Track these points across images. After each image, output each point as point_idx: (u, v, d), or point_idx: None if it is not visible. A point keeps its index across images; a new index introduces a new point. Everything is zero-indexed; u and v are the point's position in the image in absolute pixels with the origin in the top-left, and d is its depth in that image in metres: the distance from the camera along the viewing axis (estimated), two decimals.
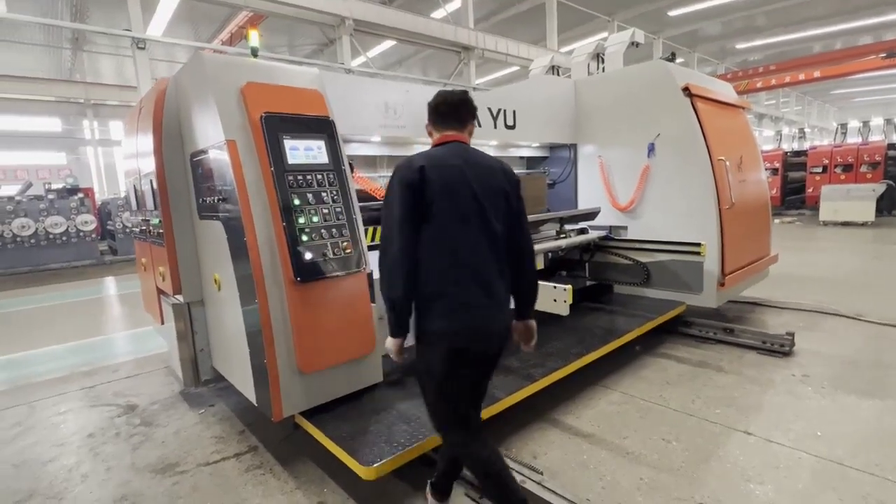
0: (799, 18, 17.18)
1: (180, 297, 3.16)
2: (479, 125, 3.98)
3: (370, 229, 3.80)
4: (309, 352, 2.44)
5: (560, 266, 4.57)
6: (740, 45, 20.67)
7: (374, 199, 3.72)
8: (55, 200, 11.31)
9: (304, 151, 2.53)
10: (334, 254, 2.51)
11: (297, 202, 2.44)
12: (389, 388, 2.80)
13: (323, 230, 2.50)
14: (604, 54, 5.46)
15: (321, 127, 2.62)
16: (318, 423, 2.44)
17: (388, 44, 15.36)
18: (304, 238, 2.42)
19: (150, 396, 3.55)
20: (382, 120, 3.35)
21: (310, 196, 2.49)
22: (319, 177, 2.56)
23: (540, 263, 3.72)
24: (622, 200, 4.62)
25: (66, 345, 5.05)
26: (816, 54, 20.20)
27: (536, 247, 3.68)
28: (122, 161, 4.13)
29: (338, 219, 2.57)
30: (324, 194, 2.55)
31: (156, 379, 3.88)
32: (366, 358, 2.71)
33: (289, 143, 2.48)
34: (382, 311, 3.02)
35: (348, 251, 2.56)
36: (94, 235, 11.73)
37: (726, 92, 4.84)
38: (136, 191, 3.66)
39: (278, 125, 2.46)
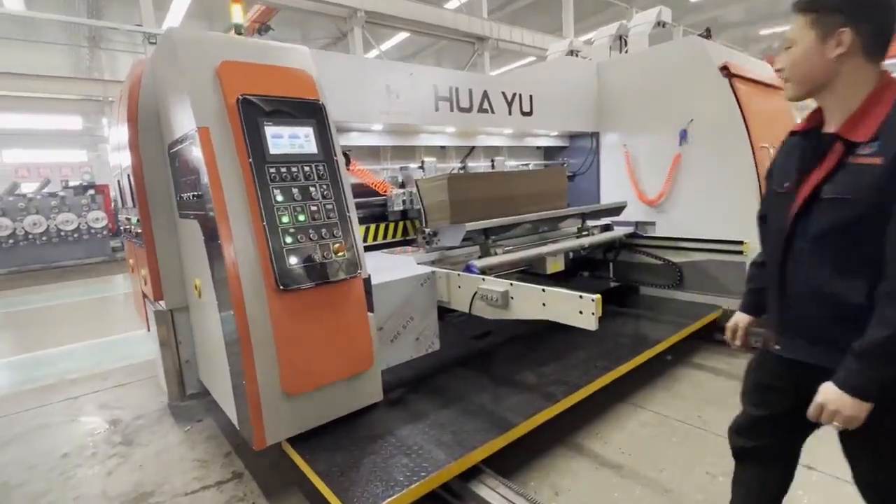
0: None
1: (163, 304, 2.88)
2: (493, 111, 3.62)
3: (371, 227, 3.49)
4: (295, 371, 2.12)
5: (581, 266, 4.18)
6: (764, 32, 19.76)
7: (376, 193, 3.39)
8: (67, 197, 11.25)
9: (288, 140, 2.20)
10: (324, 257, 2.18)
11: (279, 198, 2.11)
12: (389, 410, 2.48)
13: (311, 230, 2.17)
14: (627, 36, 5.03)
15: (309, 112, 2.29)
16: (305, 453, 2.12)
17: (401, 36, 14.98)
18: (289, 240, 2.09)
19: (136, 409, 3.28)
20: (384, 105, 3.01)
21: (295, 191, 2.16)
22: (307, 169, 2.22)
23: (560, 264, 3.35)
24: (650, 194, 4.21)
25: (59, 348, 4.85)
26: None
27: (556, 246, 3.31)
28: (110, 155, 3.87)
29: (328, 217, 2.23)
30: (312, 189, 2.22)
31: (145, 389, 3.62)
32: (362, 375, 2.38)
33: (270, 131, 2.15)
34: (382, 320, 2.71)
35: (341, 254, 2.23)
36: (105, 232, 11.67)
37: (765, 72, 4.37)
38: (120, 187, 3.39)
39: (258, 110, 2.13)
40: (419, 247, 3.32)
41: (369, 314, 2.39)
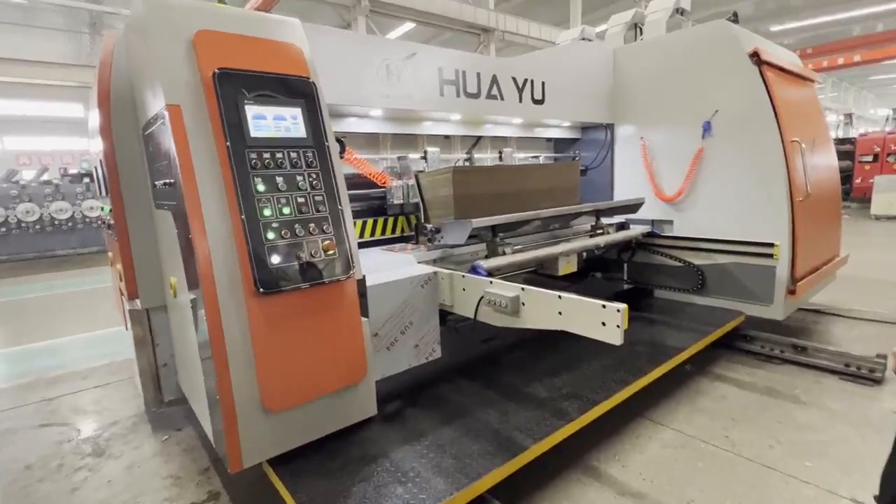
0: None
1: (138, 302, 2.63)
2: (502, 98, 3.34)
3: (369, 222, 3.23)
4: (277, 385, 1.87)
5: (594, 267, 3.91)
6: (774, 28, 19.29)
7: (375, 185, 3.13)
8: (61, 185, 10.99)
9: (273, 122, 1.93)
10: (311, 256, 1.92)
11: (261, 188, 1.85)
12: (384, 426, 2.23)
13: (297, 225, 1.90)
14: (642, 24, 4.74)
15: (298, 90, 2.02)
16: (287, 478, 1.87)
17: (406, 27, 14.62)
18: (270, 235, 1.83)
19: (113, 414, 3.04)
20: (383, 88, 2.73)
21: (279, 180, 1.90)
22: (294, 155, 1.96)
23: (572, 265, 3.08)
24: (668, 190, 3.94)
25: (43, 343, 4.61)
26: (856, 37, 18.73)
27: (570, 245, 3.04)
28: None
29: (317, 210, 1.97)
30: (299, 178, 1.95)
31: (126, 391, 3.38)
32: (354, 387, 2.13)
33: (252, 110, 1.88)
34: (377, 326, 2.46)
35: (330, 252, 1.97)
36: (100, 222, 11.41)
37: (794, 60, 4.08)
38: (96, 175, 3.13)
39: (238, 86, 1.86)
40: (420, 244, 3.06)
41: (363, 319, 2.14)
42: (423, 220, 3.01)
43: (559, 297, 1.94)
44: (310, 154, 2.00)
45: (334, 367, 2.03)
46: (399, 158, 3.25)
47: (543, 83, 3.62)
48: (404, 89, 2.81)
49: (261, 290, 1.79)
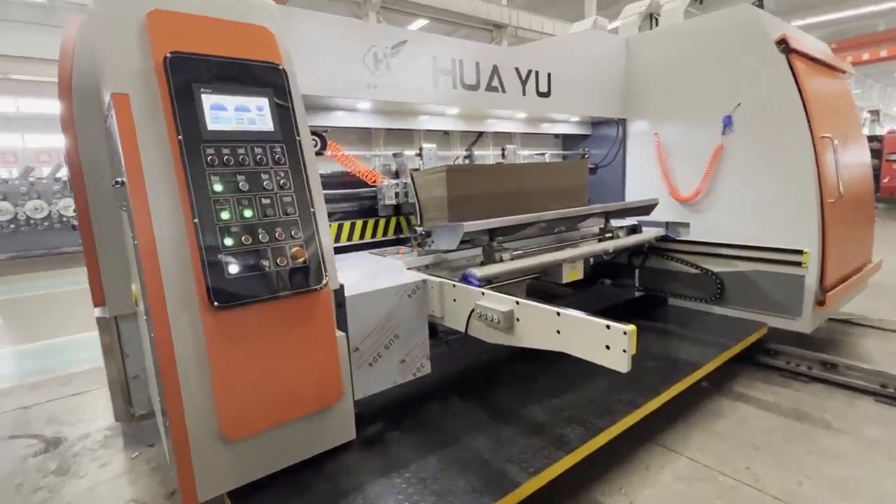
0: None
1: (105, 310, 2.45)
2: (504, 90, 3.09)
3: (358, 223, 3.00)
4: (237, 410, 1.66)
5: (602, 272, 3.65)
6: (795, 23, 18.61)
7: (365, 184, 2.91)
8: (35, 183, 10.79)
9: (234, 113, 1.72)
10: (278, 264, 1.70)
11: (218, 188, 1.63)
12: (363, 453, 2.01)
13: (261, 230, 1.69)
14: (658, 14, 4.44)
15: (266, 78, 1.80)
16: None
17: (419, 23, 14.41)
18: (229, 241, 1.62)
19: (86, 426, 2.88)
20: (370, 77, 2.50)
21: (241, 179, 1.68)
22: (258, 151, 1.74)
23: (578, 272, 2.82)
24: (684, 190, 3.65)
25: (31, 345, 4.49)
26: (882, 32, 17.98)
27: (577, 251, 2.79)
28: None
29: (285, 213, 1.75)
30: (264, 177, 1.74)
31: (103, 400, 3.21)
32: (329, 410, 1.91)
33: (210, 100, 1.67)
34: (358, 339, 2.23)
35: (300, 260, 1.75)
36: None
37: (824, 49, 3.76)
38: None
39: (193, 71, 1.65)
40: (413, 248, 2.83)
41: (339, 334, 1.92)
42: (416, 222, 2.78)
43: (557, 313, 1.70)
44: (278, 150, 1.79)
45: (304, 388, 1.81)
46: (395, 155, 3.02)
47: (549, 74, 3.36)
48: (393, 79, 2.58)
49: (215, 303, 1.57)
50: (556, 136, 4.36)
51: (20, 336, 4.81)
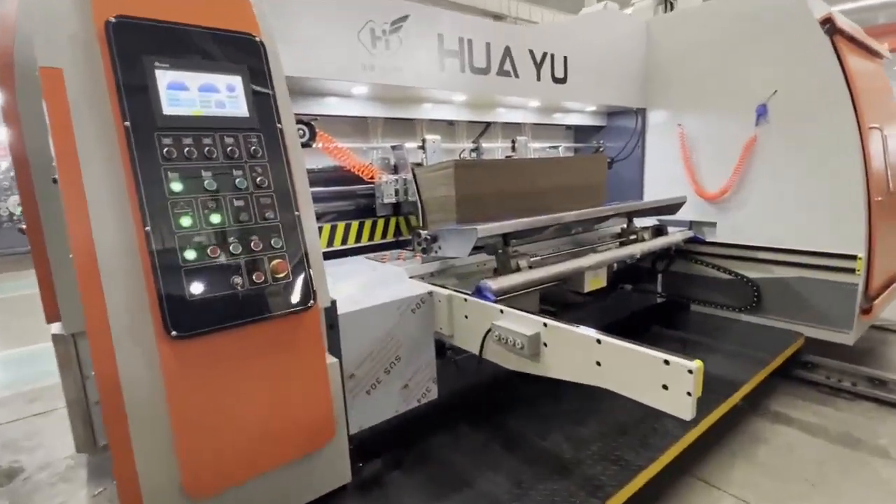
0: None
1: (61, 326, 2.12)
2: (517, 75, 2.76)
3: (353, 224, 2.67)
4: (204, 462, 1.35)
5: (623, 277, 3.34)
6: (838, 7, 18.13)
7: (361, 180, 2.58)
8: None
9: (198, 94, 1.39)
10: (253, 281, 1.38)
11: (177, 187, 1.31)
12: (359, 499, 1.70)
13: (232, 238, 1.37)
14: None
15: (238, 52, 1.47)
16: None
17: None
18: (191, 254, 1.30)
19: (47, 453, 2.56)
20: (366, 57, 2.17)
21: (207, 176, 1.36)
22: (229, 141, 1.42)
23: (601, 279, 2.52)
24: (710, 187, 3.34)
25: (7, 352, 4.16)
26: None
27: (602, 256, 2.47)
28: None
29: (263, 217, 1.43)
30: (237, 174, 1.41)
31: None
32: (319, 453, 1.60)
33: (166, 77, 1.34)
34: (354, 364, 1.92)
35: (282, 275, 1.43)
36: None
37: (866, 34, 3.45)
38: None
39: (145, 40, 1.32)
40: (416, 252, 2.52)
41: (330, 360, 1.61)
42: (419, 224, 2.46)
43: (598, 340, 1.39)
44: (254, 140, 1.46)
45: (289, 430, 1.50)
46: (393, 148, 2.69)
47: (566, 59, 3.03)
48: (393, 60, 2.25)
49: (174, 332, 1.25)
50: (568, 127, 4.04)
51: (11, 338, 4.48)
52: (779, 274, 2.76)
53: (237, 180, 1.40)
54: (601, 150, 3.90)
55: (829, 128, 2.78)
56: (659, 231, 2.95)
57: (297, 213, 1.50)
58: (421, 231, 2.18)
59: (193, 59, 1.39)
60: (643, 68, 3.58)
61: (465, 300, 1.85)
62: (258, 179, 1.44)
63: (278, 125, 1.51)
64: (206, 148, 1.37)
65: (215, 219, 1.35)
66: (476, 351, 1.82)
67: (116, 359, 1.25)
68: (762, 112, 3.04)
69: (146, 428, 1.29)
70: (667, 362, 1.23)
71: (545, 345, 1.56)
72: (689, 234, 3.03)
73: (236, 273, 1.36)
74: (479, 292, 1.86)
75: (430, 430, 2.10)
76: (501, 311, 1.70)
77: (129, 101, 1.27)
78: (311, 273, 1.50)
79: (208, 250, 1.32)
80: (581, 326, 1.46)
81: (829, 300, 2.66)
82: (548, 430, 2.07)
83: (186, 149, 1.33)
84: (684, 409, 1.20)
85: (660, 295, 3.32)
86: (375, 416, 1.87)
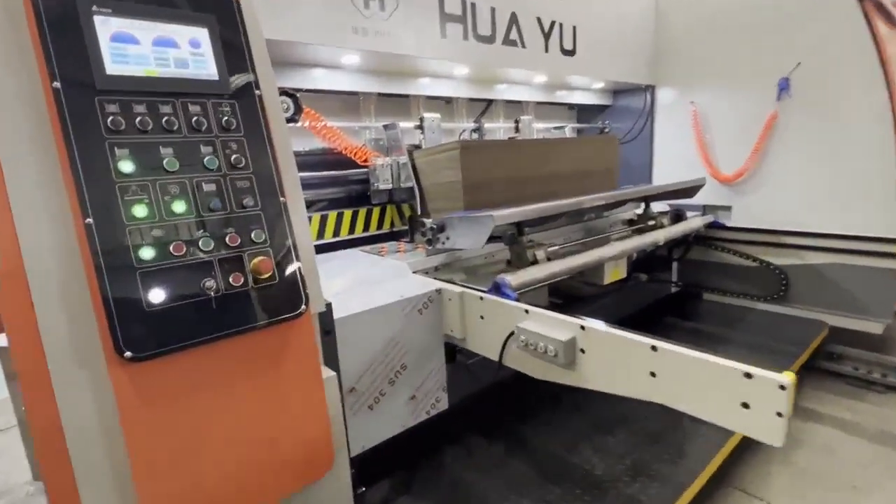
0: None
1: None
2: (523, 45, 2.49)
3: (346, 214, 2.40)
4: None
5: (637, 266, 3.12)
6: None
7: (353, 164, 2.31)
8: None
9: (153, 49, 1.10)
10: (230, 284, 1.11)
11: (127, 167, 1.02)
12: None
13: (202, 232, 1.09)
14: None
15: None
16: None
17: None
18: (148, 253, 1.02)
19: (6, 478, 2.26)
20: (358, 19, 1.88)
21: (167, 154, 1.08)
22: (195, 109, 1.13)
23: (621, 270, 2.29)
24: (726, 168, 3.13)
25: None
26: None
27: (624, 244, 2.24)
28: None
29: (241, 205, 1.16)
30: (205, 150, 1.13)
31: None
32: (316, 485, 1.35)
33: (109, 26, 1.04)
34: (353, 377, 1.66)
35: (266, 276, 1.16)
36: None
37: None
38: None
39: None
40: (416, 243, 2.26)
41: (327, 373, 1.35)
42: (419, 213, 2.20)
43: (653, 347, 1.15)
44: (226, 110, 1.18)
45: (277, 463, 1.24)
46: (386, 127, 2.41)
47: (574, 29, 2.77)
48: (389, 24, 1.96)
49: (127, 353, 0.98)
50: (571, 107, 3.79)
51: None
52: (810, 260, 2.57)
53: (206, 159, 1.12)
54: (606, 130, 3.66)
55: (858, 101, 2.58)
56: (678, 216, 2.73)
57: (282, 198, 1.23)
58: (425, 220, 1.91)
59: (145, 5, 1.09)
60: (652, 42, 3.34)
61: (481, 298, 1.60)
62: (233, 158, 1.16)
63: (257, 91, 1.23)
64: (165, 118, 1.08)
65: (179, 207, 1.07)
66: (494, 357, 1.58)
67: (54, 391, 0.98)
68: (784, 86, 2.82)
69: (97, 476, 1.02)
70: (749, 375, 1.00)
71: (582, 351, 1.32)
72: (710, 218, 2.81)
73: (208, 275, 1.08)
74: (497, 289, 1.61)
75: (441, 444, 1.87)
76: (526, 312, 1.45)
77: (59, 56, 0.98)
78: (302, 271, 1.23)
79: (171, 247, 1.04)
80: (630, 330, 1.22)
81: (865, 287, 2.48)
82: (574, 442, 1.85)
83: (138, 118, 1.05)
84: (773, 433, 0.98)
85: (675, 284, 3.12)
86: (380, 434, 1.63)
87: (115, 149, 1.02)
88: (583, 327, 1.31)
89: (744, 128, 3.00)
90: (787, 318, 2.85)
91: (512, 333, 1.48)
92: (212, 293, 1.08)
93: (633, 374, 1.21)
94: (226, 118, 1.16)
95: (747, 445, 2.17)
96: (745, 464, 2.07)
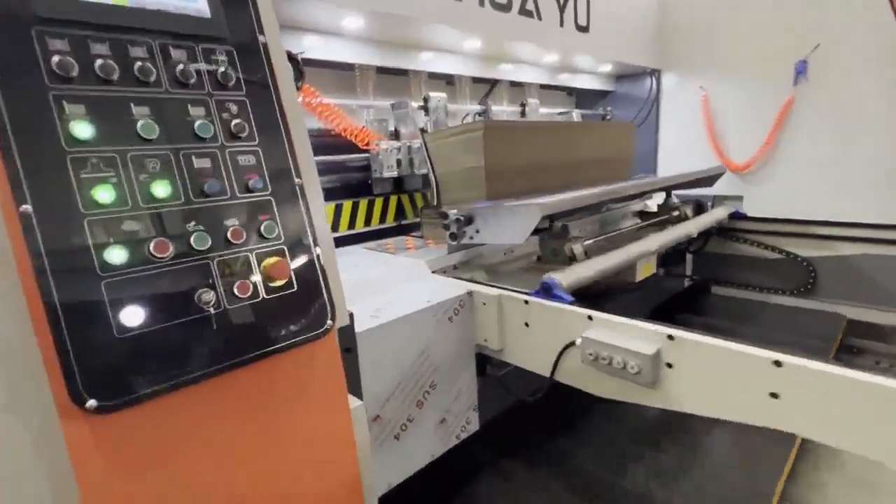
0: None
1: None
2: (539, 17, 2.25)
3: (346, 205, 2.09)
4: None
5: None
6: None
7: (352, 148, 2.01)
8: None
9: None
10: (235, 295, 0.81)
11: (84, 132, 0.70)
12: None
13: (193, 224, 0.78)
14: None
15: None
16: None
17: None
18: (117, 256, 0.71)
19: None
20: None
21: (140, 115, 0.76)
22: (178, 56, 0.82)
23: (652, 266, 2.09)
24: (738, 157, 3.00)
25: None
26: None
27: (662, 237, 2.04)
28: None
29: (246, 188, 0.85)
30: (196, 112, 0.82)
31: None
32: None
33: None
34: (378, 402, 1.34)
35: (279, 282, 0.86)
36: None
37: None
38: None
39: None
40: (428, 237, 1.98)
41: (353, 403, 1.06)
42: (434, 203, 1.92)
43: (776, 363, 0.93)
44: (222, 59, 0.87)
45: None
46: (393, 106, 2.10)
47: (588, 3, 2.54)
48: None
49: (91, 402, 0.67)
50: (570, 93, 3.59)
51: None
52: (841, 251, 2.45)
53: (197, 124, 0.81)
54: (608, 117, 3.48)
55: (882, 86, 2.47)
56: (700, 207, 2.56)
57: (297, 180, 0.93)
58: (448, 211, 1.63)
59: None
60: (659, 25, 3.16)
61: (526, 302, 1.35)
62: (233, 124, 0.85)
63: (261, 37, 0.93)
64: (137, 64, 0.77)
65: (161, 190, 0.76)
66: (543, 371, 1.34)
67: None
68: (801, 69, 2.70)
69: None
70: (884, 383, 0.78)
71: (669, 365, 1.09)
72: (732, 208, 2.66)
73: (204, 284, 0.78)
74: (546, 291, 1.35)
75: (474, 472, 1.60)
76: (590, 318, 1.21)
77: None
78: (327, 276, 0.94)
79: (151, 246, 0.73)
80: (739, 340, 0.99)
81: (893, 278, 2.37)
82: (619, 459, 1.62)
83: (98, 62, 0.73)
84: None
85: (689, 278, 2.96)
86: (407, 468, 1.35)
87: (65, 103, 0.70)
88: (671, 336, 1.07)
89: (757, 114, 2.87)
90: (804, 312, 2.73)
91: (571, 344, 1.24)
92: (210, 309, 0.78)
93: (745, 395, 0.98)
94: (222, 70, 0.86)
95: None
96: (795, 473, 1.91)
